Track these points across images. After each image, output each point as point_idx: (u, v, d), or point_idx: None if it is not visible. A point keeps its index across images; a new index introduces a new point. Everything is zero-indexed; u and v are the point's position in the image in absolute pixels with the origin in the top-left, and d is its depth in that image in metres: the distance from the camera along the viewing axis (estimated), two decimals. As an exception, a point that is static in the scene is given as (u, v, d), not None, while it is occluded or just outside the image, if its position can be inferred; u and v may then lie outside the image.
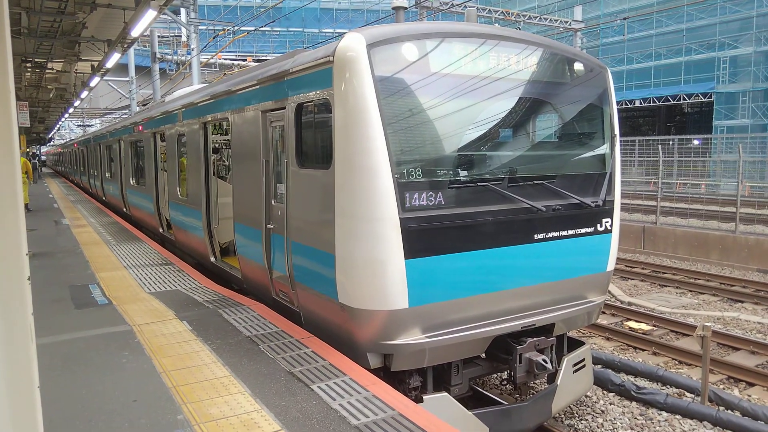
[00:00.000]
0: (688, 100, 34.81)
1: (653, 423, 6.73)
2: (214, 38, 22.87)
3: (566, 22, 29.14)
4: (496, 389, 7.53)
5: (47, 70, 19.07)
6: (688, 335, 9.40)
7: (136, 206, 14.80)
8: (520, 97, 5.60)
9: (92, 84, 19.70)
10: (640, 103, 36.69)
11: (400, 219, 4.67)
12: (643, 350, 8.99)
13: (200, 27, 22.77)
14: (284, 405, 4.07)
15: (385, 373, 5.03)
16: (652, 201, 18.65)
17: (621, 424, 6.74)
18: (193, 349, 5.24)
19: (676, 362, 8.55)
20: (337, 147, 4.87)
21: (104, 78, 21.22)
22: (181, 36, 28.77)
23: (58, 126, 54.74)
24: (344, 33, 5.09)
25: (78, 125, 61.15)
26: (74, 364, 4.93)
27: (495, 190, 5.23)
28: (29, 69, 18.53)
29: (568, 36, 30.69)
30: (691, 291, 12.77)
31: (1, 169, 2.10)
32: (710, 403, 6.99)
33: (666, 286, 13.31)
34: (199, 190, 8.81)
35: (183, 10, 22.20)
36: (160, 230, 12.40)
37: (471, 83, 5.22)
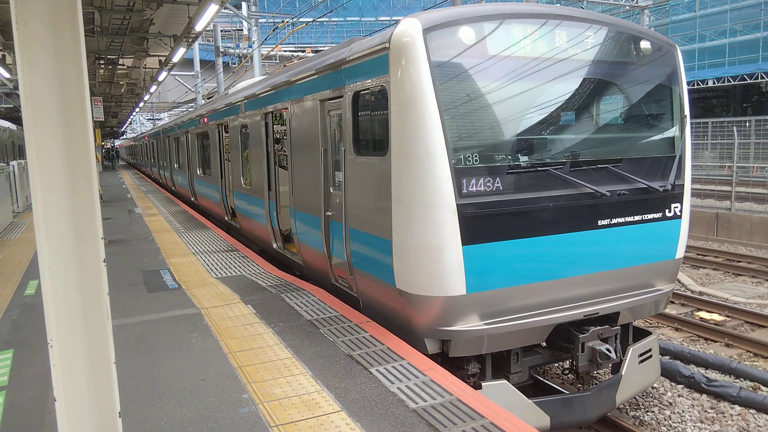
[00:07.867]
0: (767, 79, 32.61)
1: (725, 417, 6.44)
2: (273, 31, 23.28)
3: (633, -1, 27.89)
4: (558, 378, 7.40)
5: (118, 66, 19.97)
6: (765, 326, 8.91)
7: (203, 196, 15.37)
8: (582, 79, 5.42)
9: (160, 78, 20.50)
10: (714, 82, 34.65)
11: (457, 205, 4.65)
12: (715, 342, 8.59)
13: (260, 20, 23.23)
14: (344, 387, 4.16)
15: (443, 359, 5.04)
16: (727, 186, 17.68)
17: (690, 416, 6.48)
18: (257, 332, 5.42)
19: (751, 354, 8.13)
20: (393, 134, 4.89)
21: (171, 72, 22.04)
22: (242, 29, 29.46)
23: (129, 120, 57.38)
24: (400, 20, 5.07)
25: (148, 119, 63.87)
26: (147, 344, 5.21)
27: (556, 174, 5.10)
28: (102, 66, 19.45)
29: (635, 15, 29.34)
30: (768, 280, 12.08)
31: (78, 161, 2.25)
32: (789, 397, 6.62)
33: (741, 275, 12.62)
34: (262, 179, 9.05)
35: (244, 4, 22.72)
36: (226, 218, 12.84)
37: (531, 66, 5.10)
